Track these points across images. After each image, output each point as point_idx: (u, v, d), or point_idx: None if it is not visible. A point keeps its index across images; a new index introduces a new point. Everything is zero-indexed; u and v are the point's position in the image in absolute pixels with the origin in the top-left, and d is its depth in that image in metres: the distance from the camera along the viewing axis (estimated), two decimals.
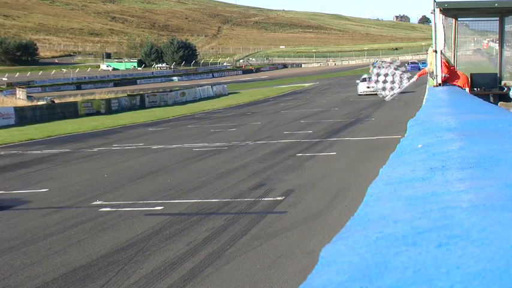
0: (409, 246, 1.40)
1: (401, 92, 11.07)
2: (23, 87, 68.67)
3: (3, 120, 37.90)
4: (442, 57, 10.48)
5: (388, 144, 17.09)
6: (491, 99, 11.67)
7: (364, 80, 47.73)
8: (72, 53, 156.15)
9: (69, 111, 43.80)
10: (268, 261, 8.02)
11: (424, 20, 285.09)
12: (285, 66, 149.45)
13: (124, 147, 22.63)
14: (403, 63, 11.55)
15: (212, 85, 67.07)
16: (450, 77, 11.15)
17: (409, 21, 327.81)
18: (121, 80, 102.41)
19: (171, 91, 59.30)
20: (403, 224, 1.63)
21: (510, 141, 3.20)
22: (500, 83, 12.16)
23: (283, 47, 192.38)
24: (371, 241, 1.51)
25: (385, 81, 11.23)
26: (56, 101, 48.04)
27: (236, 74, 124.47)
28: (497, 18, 12.20)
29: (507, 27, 12.20)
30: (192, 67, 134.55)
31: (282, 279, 7.39)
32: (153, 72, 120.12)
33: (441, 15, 10.48)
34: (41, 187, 14.73)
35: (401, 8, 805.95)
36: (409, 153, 3.31)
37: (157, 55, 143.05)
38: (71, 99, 49.36)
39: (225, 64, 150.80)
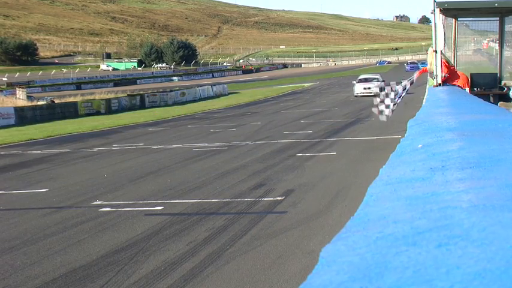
0: (409, 246, 1.40)
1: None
2: (23, 87, 68.68)
3: (3, 120, 37.91)
4: (442, 57, 10.48)
5: (388, 144, 17.09)
6: (491, 99, 11.67)
7: (361, 80, 46.28)
8: (72, 53, 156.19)
9: (69, 111, 43.80)
10: (268, 261, 8.02)
11: (424, 20, 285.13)
12: (285, 66, 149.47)
13: (124, 147, 22.63)
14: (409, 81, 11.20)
15: (212, 85, 67.07)
16: (450, 77, 11.16)
17: (409, 21, 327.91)
18: (121, 80, 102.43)
19: (171, 91, 59.30)
20: (403, 224, 1.63)
21: (510, 141, 3.20)
22: (500, 83, 12.17)
23: (283, 47, 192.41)
24: (371, 241, 1.51)
25: (387, 106, 10.87)
26: (56, 101, 48.04)
27: (236, 74, 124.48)
28: (497, 18, 12.21)
29: (507, 27, 12.20)
30: (192, 67, 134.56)
31: (282, 279, 7.39)
32: (153, 72, 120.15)
33: (441, 15, 10.48)
34: (41, 187, 14.73)
35: (401, 8, 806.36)
36: (409, 153, 3.31)
37: (157, 55, 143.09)
38: (71, 99, 49.36)
39: (225, 64, 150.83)
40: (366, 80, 46.19)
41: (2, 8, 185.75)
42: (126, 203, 12.15)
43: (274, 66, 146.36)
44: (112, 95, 53.47)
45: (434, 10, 10.27)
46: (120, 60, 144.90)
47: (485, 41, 16.36)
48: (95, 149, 22.56)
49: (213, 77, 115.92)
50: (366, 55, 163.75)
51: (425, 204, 1.86)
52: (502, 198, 1.80)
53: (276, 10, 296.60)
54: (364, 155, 16.80)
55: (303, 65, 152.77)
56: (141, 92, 56.71)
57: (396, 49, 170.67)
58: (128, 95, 52.76)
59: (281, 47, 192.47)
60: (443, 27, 10.52)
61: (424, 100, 10.46)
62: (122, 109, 48.09)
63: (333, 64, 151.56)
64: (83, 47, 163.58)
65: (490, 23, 13.07)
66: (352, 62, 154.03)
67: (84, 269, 8.10)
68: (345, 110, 34.41)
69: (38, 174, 17.03)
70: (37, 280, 7.83)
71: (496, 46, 12.93)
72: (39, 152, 22.84)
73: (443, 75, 10.50)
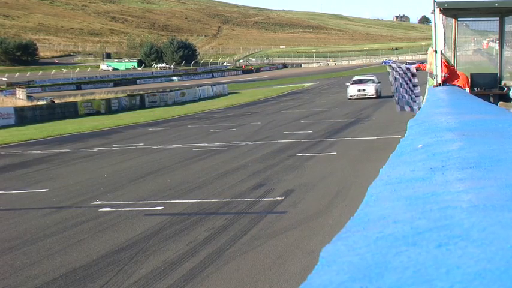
0: (409, 246, 1.40)
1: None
2: (22, 87, 68.69)
3: (3, 120, 37.90)
4: (442, 57, 10.48)
5: (388, 144, 17.09)
6: (491, 99, 11.67)
7: (355, 82, 43.40)
8: (72, 53, 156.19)
9: (69, 111, 43.80)
10: (268, 261, 8.02)
11: (424, 20, 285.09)
12: (285, 66, 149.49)
13: (124, 147, 22.63)
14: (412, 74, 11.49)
15: (212, 85, 67.09)
16: (450, 77, 11.16)
17: (409, 21, 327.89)
18: (121, 80, 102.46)
19: (171, 91, 59.32)
20: (403, 224, 1.63)
21: (510, 141, 3.20)
22: (500, 83, 12.16)
23: (283, 47, 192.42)
24: (371, 241, 1.51)
25: (402, 96, 11.31)
26: (56, 101, 48.04)
27: (236, 74, 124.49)
28: (497, 18, 12.21)
29: (507, 27, 12.20)
30: (192, 67, 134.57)
31: (282, 279, 7.39)
32: (153, 72, 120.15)
33: (441, 15, 10.48)
34: (41, 187, 14.73)
35: (401, 8, 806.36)
36: (409, 153, 3.31)
37: (157, 55, 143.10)
38: (71, 99, 49.36)
39: (225, 64, 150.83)
40: (360, 82, 43.38)
41: (2, 8, 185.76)
42: (126, 203, 12.15)
43: (274, 66, 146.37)
44: (112, 95, 53.48)
45: (434, 10, 10.27)
46: (120, 60, 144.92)
47: (485, 41, 16.36)
48: (95, 149, 22.56)
49: (213, 77, 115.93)
50: (366, 55, 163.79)
51: (425, 204, 1.86)
52: (502, 198, 1.80)
53: (276, 10, 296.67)
54: (364, 155, 16.80)
55: (303, 65, 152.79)
56: (141, 92, 56.72)
57: (396, 49, 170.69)
58: (128, 95, 52.78)
59: (281, 47, 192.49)
60: (443, 27, 10.52)
61: (424, 100, 10.46)
62: (121, 109, 48.09)
63: (333, 64, 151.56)
64: (83, 47, 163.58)
65: (490, 23, 13.07)
66: (352, 62, 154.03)
67: (84, 269, 8.10)
68: (345, 110, 34.41)
69: (38, 174, 17.03)
70: (37, 280, 7.83)
71: (496, 46, 12.93)
72: (39, 152, 22.84)
73: (443, 75, 10.51)
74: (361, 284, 1.21)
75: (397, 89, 11.65)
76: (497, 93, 11.98)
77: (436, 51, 10.21)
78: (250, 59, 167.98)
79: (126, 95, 53.55)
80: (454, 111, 5.81)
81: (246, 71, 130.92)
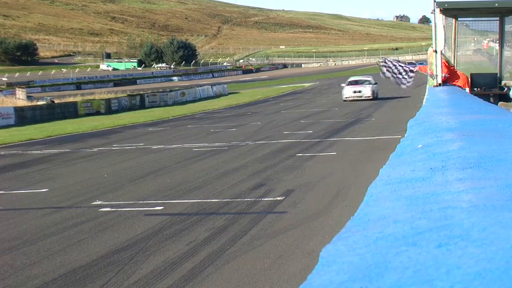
0: (409, 246, 1.40)
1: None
2: (22, 87, 68.71)
3: (3, 120, 37.90)
4: (442, 57, 10.48)
5: (388, 144, 17.09)
6: (491, 99, 11.67)
7: (350, 83, 41.51)
8: (72, 53, 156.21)
9: (69, 111, 43.81)
10: (268, 261, 8.02)
11: (424, 20, 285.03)
12: (285, 66, 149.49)
13: (124, 147, 22.63)
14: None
15: (212, 85, 67.11)
16: (450, 77, 11.16)
17: (409, 21, 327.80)
18: (121, 80, 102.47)
19: (171, 91, 59.33)
20: (403, 224, 1.63)
21: (510, 141, 3.20)
22: (500, 83, 12.16)
23: (283, 47, 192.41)
24: (371, 241, 1.51)
25: (396, 76, 11.65)
26: (56, 101, 48.05)
27: (236, 74, 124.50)
28: (497, 18, 12.21)
29: (507, 27, 12.20)
30: (192, 67, 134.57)
31: (282, 279, 7.39)
32: (153, 72, 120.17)
33: (441, 15, 10.48)
34: (41, 187, 14.73)
35: (401, 8, 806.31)
36: (409, 153, 3.31)
37: (157, 55, 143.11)
38: (71, 99, 49.37)
39: (225, 64, 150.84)
40: (356, 83, 41.57)
41: (2, 8, 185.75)
42: (126, 203, 12.15)
43: (274, 66, 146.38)
44: (112, 95, 53.49)
45: (434, 10, 10.27)
46: (120, 60, 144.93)
47: (485, 41, 16.36)
48: (95, 149, 22.56)
49: (213, 77, 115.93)
50: (366, 55, 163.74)
51: (425, 204, 1.86)
52: (502, 198, 1.80)
53: (276, 10, 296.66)
54: (364, 155, 16.80)
55: (303, 65, 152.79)
56: (141, 92, 56.74)
57: (396, 49, 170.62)
58: (128, 95, 52.78)
59: (281, 47, 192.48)
60: (443, 27, 10.52)
61: (424, 100, 10.47)
62: (121, 109, 48.10)
63: (333, 64, 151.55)
64: (83, 47, 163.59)
65: (490, 23, 13.07)
66: (352, 62, 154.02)
67: (84, 269, 8.10)
68: (345, 110, 34.40)
69: (38, 174, 17.03)
70: (37, 280, 7.82)
71: (496, 46, 12.93)
72: (39, 152, 22.84)
73: (443, 76, 10.51)
74: (361, 284, 1.21)
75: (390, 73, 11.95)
76: (497, 93, 11.98)
77: (436, 51, 10.22)
78: (250, 59, 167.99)
79: (126, 95, 53.56)
80: (454, 111, 5.81)
81: (246, 71, 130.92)
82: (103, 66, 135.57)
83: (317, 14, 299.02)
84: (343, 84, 42.37)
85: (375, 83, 41.02)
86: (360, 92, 40.06)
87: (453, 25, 12.11)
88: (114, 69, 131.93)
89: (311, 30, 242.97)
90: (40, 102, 48.51)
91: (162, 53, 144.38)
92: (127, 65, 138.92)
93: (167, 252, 8.66)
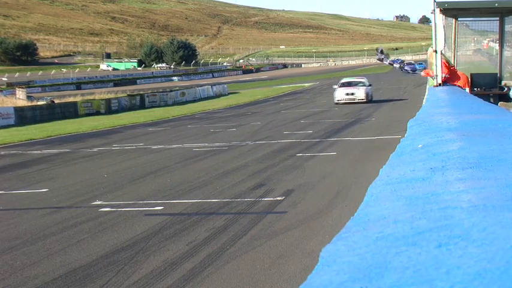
0: (409, 246, 1.40)
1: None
2: (22, 87, 68.74)
3: (3, 120, 37.90)
4: (442, 57, 10.48)
5: (388, 144, 17.09)
6: (491, 99, 11.68)
7: (343, 85, 38.97)
8: (72, 53, 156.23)
9: (69, 111, 43.81)
10: (268, 261, 8.02)
11: (424, 20, 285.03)
12: (285, 66, 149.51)
13: (124, 147, 22.63)
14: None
15: (212, 85, 67.12)
16: (450, 77, 11.17)
17: (409, 21, 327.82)
18: (121, 80, 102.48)
19: (171, 91, 59.34)
20: (403, 224, 1.63)
21: (510, 141, 3.20)
22: (500, 83, 12.17)
23: (283, 47, 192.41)
24: (371, 241, 1.51)
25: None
26: (56, 101, 48.06)
27: (236, 74, 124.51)
28: (497, 18, 12.22)
29: (507, 27, 12.21)
30: (192, 67, 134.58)
31: (282, 279, 7.39)
32: (153, 72, 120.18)
33: (441, 15, 10.48)
34: (41, 187, 14.73)
35: (401, 8, 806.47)
36: (409, 153, 3.32)
37: (157, 55, 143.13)
38: (71, 99, 49.38)
39: (225, 64, 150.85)
40: (349, 84, 39.17)
41: (2, 8, 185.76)
42: (126, 203, 12.15)
43: (274, 66, 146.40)
44: (112, 95, 53.49)
45: (434, 10, 10.28)
46: (120, 60, 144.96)
47: (485, 41, 16.36)
48: (95, 149, 22.56)
49: (213, 77, 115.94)
50: (366, 55, 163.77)
51: (425, 204, 1.86)
52: (502, 198, 1.80)
53: (276, 10, 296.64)
54: (364, 155, 16.80)
55: (303, 65, 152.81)
56: (141, 92, 56.75)
57: (396, 49, 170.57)
58: (128, 95, 52.79)
59: (281, 47, 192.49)
60: (443, 27, 10.52)
61: (424, 100, 10.48)
62: (121, 109, 48.10)
63: (333, 64, 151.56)
64: (83, 47, 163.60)
65: (490, 23, 13.08)
66: (352, 62, 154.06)
67: (84, 269, 8.10)
68: (345, 110, 34.40)
69: (38, 174, 17.03)
70: (37, 280, 7.82)
71: (496, 46, 12.94)
72: (39, 152, 22.84)
73: (443, 76, 10.51)
74: (361, 284, 1.21)
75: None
76: (497, 93, 11.99)
77: (436, 51, 10.22)
78: (250, 59, 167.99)
79: (126, 95, 53.57)
80: (454, 111, 5.81)
81: (246, 71, 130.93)
82: (103, 66, 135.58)
83: (317, 14, 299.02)
84: (335, 86, 40.16)
85: (369, 85, 39.16)
86: (352, 94, 37.89)
87: (453, 25, 12.12)
88: (114, 69, 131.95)
89: (311, 30, 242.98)
90: (40, 102, 48.52)
91: (162, 53, 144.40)
92: (127, 65, 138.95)
93: (167, 252, 8.66)
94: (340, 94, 38.08)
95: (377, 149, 17.36)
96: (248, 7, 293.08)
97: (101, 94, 56.08)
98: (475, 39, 15.99)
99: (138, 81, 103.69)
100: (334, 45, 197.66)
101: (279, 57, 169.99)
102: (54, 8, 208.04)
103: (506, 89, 11.99)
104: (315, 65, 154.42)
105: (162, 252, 8.68)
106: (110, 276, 7.76)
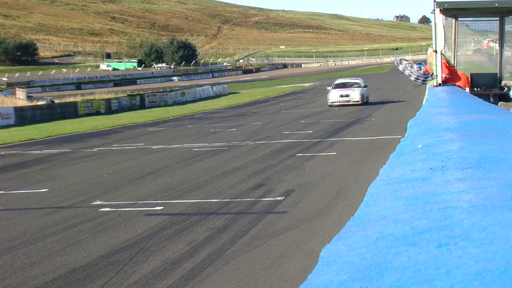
0: (409, 246, 1.40)
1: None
2: (22, 87, 68.73)
3: (3, 120, 37.90)
4: (442, 57, 10.48)
5: (388, 144, 17.09)
6: (491, 99, 11.67)
7: (337, 86, 37.59)
8: (72, 53, 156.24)
9: (69, 111, 43.81)
10: (268, 261, 8.02)
11: (424, 20, 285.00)
12: (285, 66, 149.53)
13: (124, 147, 22.63)
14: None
15: (212, 85, 67.13)
16: (450, 77, 11.17)
17: (409, 21, 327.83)
18: (121, 80, 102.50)
19: (171, 91, 59.34)
20: (403, 224, 1.63)
21: (510, 141, 3.20)
22: (500, 83, 12.17)
23: (283, 47, 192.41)
24: (371, 241, 1.51)
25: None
26: (56, 101, 48.06)
27: (236, 74, 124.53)
28: (497, 18, 12.21)
29: (507, 27, 12.20)
30: (192, 67, 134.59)
31: (282, 279, 7.39)
32: (153, 72, 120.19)
33: (441, 15, 10.48)
34: (41, 187, 14.73)
35: (401, 8, 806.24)
36: (409, 153, 3.32)
37: (157, 55, 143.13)
38: (71, 99, 49.38)
39: (225, 64, 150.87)
40: (344, 86, 37.66)
41: (2, 8, 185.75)
42: (126, 203, 12.15)
43: (274, 66, 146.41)
44: (112, 95, 53.50)
45: (434, 10, 10.27)
46: (120, 60, 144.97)
47: (485, 41, 16.36)
48: (95, 149, 22.56)
49: (213, 77, 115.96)
50: (366, 55, 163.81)
51: (425, 204, 1.86)
52: (502, 198, 1.80)
53: (276, 10, 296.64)
54: (364, 155, 16.79)
55: (303, 65, 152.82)
56: (141, 92, 56.75)
57: (396, 49, 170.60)
58: (128, 95, 52.79)
59: (281, 47, 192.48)
60: (443, 27, 10.52)
61: (424, 100, 10.48)
62: (121, 109, 48.10)
63: (333, 64, 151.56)
64: (83, 47, 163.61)
65: (490, 23, 13.07)
66: (352, 62, 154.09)
67: (84, 269, 8.10)
68: (345, 110, 34.39)
69: (38, 174, 17.03)
70: (37, 280, 7.82)
71: (496, 46, 12.93)
72: (39, 152, 22.84)
73: (443, 76, 10.51)
74: (361, 284, 1.21)
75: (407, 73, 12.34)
76: (497, 93, 11.98)
77: (436, 51, 10.22)
78: (250, 59, 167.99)
79: (126, 95, 53.57)
80: (454, 111, 5.82)
81: (246, 71, 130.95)
82: (103, 66, 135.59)
83: (317, 14, 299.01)
84: (328, 88, 38.84)
85: (365, 86, 37.69)
86: (347, 96, 36.40)
87: (453, 25, 12.12)
88: (114, 69, 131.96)
89: (311, 30, 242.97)
90: (40, 102, 48.52)
91: (162, 53, 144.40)
92: (127, 65, 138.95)
93: (167, 252, 8.66)
94: (334, 96, 36.62)
95: (377, 149, 17.35)
96: (248, 7, 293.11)
97: (101, 94, 56.08)
98: (475, 39, 15.99)
99: (138, 81, 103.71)
100: (334, 45, 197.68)
101: (279, 57, 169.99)
102: (54, 8, 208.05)
103: (506, 89, 11.98)
104: (315, 65, 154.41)
105: (162, 252, 8.68)
106: (110, 276, 7.76)
